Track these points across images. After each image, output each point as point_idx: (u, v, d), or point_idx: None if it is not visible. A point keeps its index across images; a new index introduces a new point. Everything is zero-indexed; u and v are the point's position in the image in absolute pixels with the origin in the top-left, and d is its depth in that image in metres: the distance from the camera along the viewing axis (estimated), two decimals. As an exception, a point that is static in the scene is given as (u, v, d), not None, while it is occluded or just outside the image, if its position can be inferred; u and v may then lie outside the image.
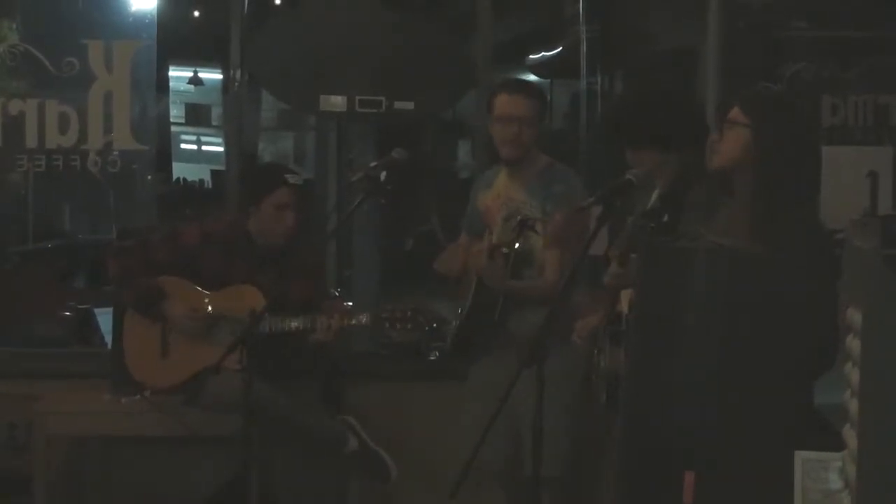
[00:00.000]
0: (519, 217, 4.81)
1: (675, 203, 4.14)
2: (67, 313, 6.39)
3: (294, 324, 4.94)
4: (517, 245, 4.76)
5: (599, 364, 4.35)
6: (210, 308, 5.11)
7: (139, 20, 6.23)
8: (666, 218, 4.16)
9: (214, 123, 15.70)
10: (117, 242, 5.53)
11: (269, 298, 4.82)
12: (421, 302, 5.04)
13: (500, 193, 4.94)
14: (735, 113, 3.76)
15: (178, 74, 14.03)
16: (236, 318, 4.93)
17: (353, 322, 4.99)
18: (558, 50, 10.30)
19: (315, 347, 5.02)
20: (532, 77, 11.41)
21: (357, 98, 5.91)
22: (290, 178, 5.19)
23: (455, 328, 5.01)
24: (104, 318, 5.88)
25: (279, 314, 4.89)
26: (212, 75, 14.45)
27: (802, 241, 3.54)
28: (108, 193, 6.41)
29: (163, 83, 9.96)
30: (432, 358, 5.87)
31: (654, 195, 4.28)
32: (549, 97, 11.79)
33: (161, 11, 6.30)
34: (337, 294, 5.89)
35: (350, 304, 5.70)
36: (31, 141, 6.12)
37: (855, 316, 2.41)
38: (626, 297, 4.20)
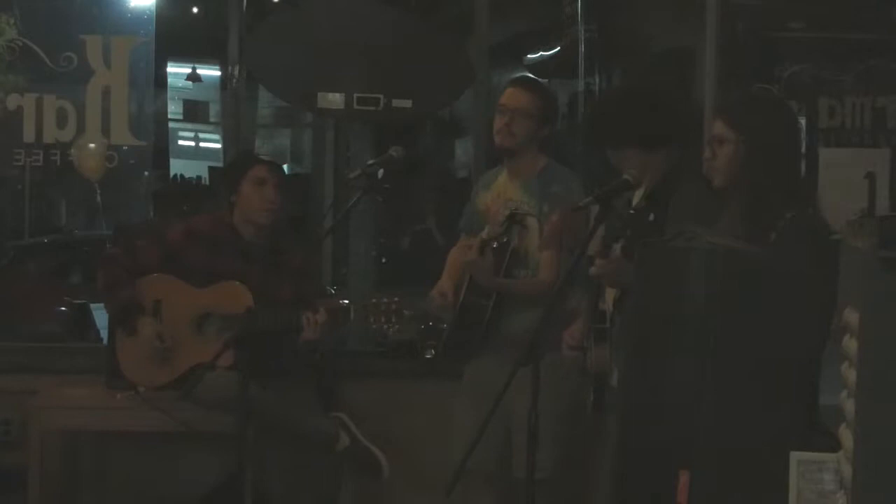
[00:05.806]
0: (508, 211, 4.81)
1: (661, 202, 4.13)
2: (63, 308, 6.37)
3: (277, 320, 4.91)
4: (505, 239, 4.76)
5: (585, 364, 4.34)
6: (198, 304, 5.11)
7: (138, 16, 6.24)
8: (651, 217, 4.16)
9: (212, 120, 15.68)
10: (107, 250, 5.54)
11: (255, 294, 4.82)
12: (408, 299, 5.02)
13: (499, 194, 4.94)
14: (721, 127, 3.75)
15: (177, 71, 14.00)
16: (224, 314, 4.94)
17: (338, 317, 4.95)
18: (556, 50, 10.29)
19: (303, 344, 5.00)
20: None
21: (355, 95, 5.90)
22: (263, 156, 5.29)
23: (446, 332, 5.01)
24: (100, 314, 5.87)
25: (264, 310, 4.88)
26: (210, 72, 14.42)
27: (799, 238, 3.54)
28: (105, 189, 6.41)
29: (161, 79, 9.95)
30: (428, 356, 5.87)
31: (640, 194, 4.26)
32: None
33: (160, 7, 6.31)
34: (333, 292, 5.89)
35: (346, 301, 5.69)
36: (28, 135, 6.12)
37: (851, 316, 2.41)
38: (610, 294, 4.19)
